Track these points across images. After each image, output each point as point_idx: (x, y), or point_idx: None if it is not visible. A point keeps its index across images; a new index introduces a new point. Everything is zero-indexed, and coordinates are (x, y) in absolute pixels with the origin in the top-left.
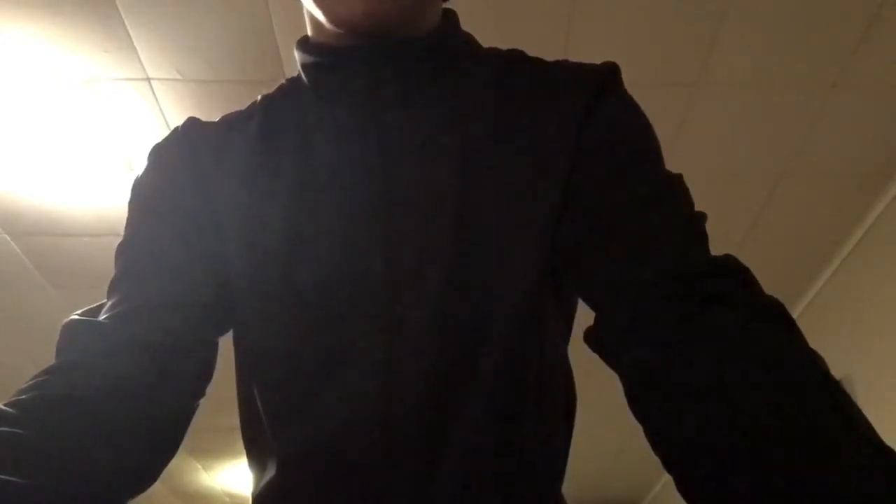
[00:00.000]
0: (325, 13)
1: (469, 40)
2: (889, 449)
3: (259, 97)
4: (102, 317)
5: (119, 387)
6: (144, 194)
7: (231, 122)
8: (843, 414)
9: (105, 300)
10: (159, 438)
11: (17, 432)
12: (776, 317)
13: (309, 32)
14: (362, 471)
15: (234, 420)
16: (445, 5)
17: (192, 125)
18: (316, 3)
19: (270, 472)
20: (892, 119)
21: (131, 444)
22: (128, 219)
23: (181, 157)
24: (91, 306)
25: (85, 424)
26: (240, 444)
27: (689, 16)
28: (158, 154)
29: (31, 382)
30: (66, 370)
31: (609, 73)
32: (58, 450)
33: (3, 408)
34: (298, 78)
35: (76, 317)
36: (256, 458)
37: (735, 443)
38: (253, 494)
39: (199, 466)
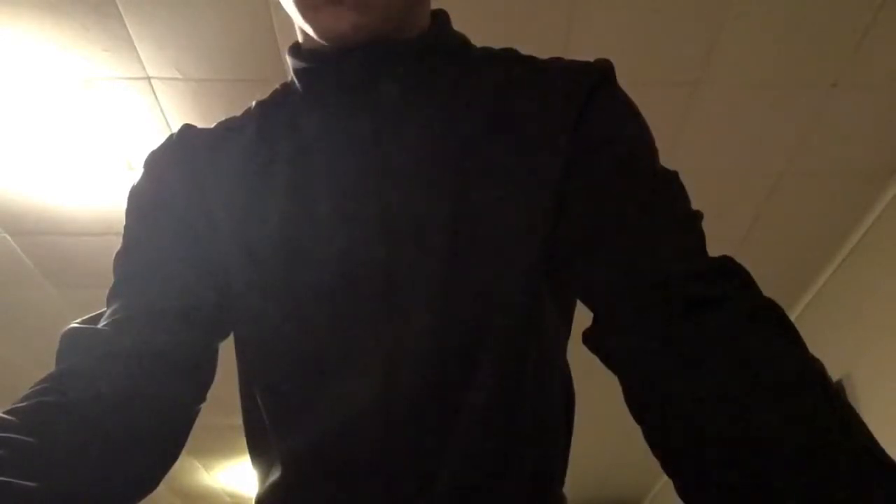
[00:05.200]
0: (315, 29)
1: (462, 40)
2: (886, 455)
3: (254, 103)
4: (102, 324)
5: (118, 393)
6: (140, 202)
7: (226, 128)
8: (839, 418)
9: (105, 306)
10: (160, 443)
11: (18, 438)
12: (774, 320)
13: (300, 39)
14: (364, 471)
15: (235, 419)
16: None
17: (186, 132)
18: (305, 19)
19: (274, 473)
20: (892, 119)
21: (132, 450)
22: (125, 227)
23: (176, 164)
24: (91, 314)
25: (84, 431)
26: (240, 444)
27: (689, 16)
28: (153, 162)
29: (31, 390)
30: (65, 377)
31: (602, 71)
32: (58, 456)
33: (4, 415)
34: (292, 83)
35: (76, 325)
36: (260, 458)
37: (732, 446)
38: (257, 495)
39: (200, 466)
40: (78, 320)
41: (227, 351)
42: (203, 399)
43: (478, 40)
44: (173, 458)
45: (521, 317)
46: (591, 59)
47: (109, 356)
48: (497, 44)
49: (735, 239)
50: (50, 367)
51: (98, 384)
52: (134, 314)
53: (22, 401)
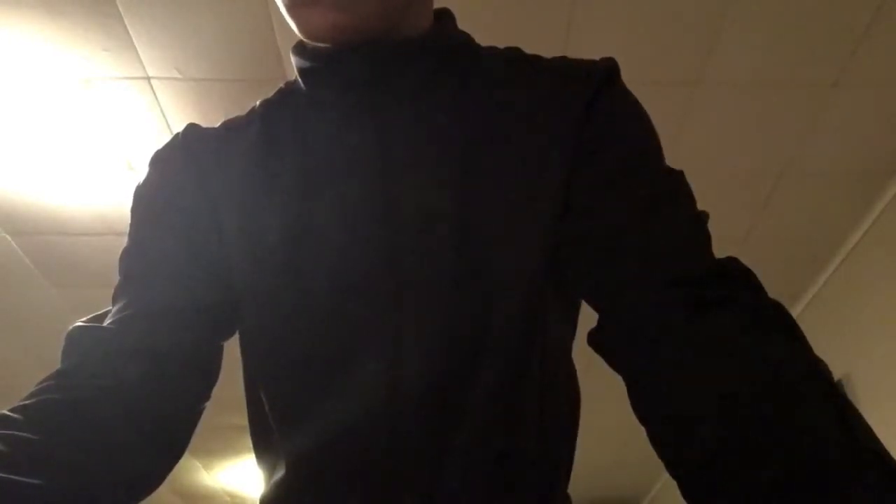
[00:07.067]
0: (298, 27)
1: (466, 39)
2: (890, 457)
3: (258, 102)
4: (107, 322)
5: (121, 392)
6: (145, 201)
7: (231, 127)
8: (844, 421)
9: (108, 305)
10: (163, 442)
11: (23, 435)
12: (779, 321)
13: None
14: (369, 471)
15: (235, 419)
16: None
17: (192, 131)
18: (290, 17)
19: (279, 473)
20: (892, 119)
21: (136, 448)
22: (130, 226)
23: (181, 163)
24: (96, 313)
25: (88, 429)
26: (240, 444)
27: (689, 16)
28: (158, 161)
29: (35, 388)
30: (70, 375)
31: (607, 70)
32: (62, 454)
33: (9, 413)
34: (296, 82)
35: (81, 323)
36: (265, 458)
37: (735, 448)
38: (262, 494)
39: (200, 465)
40: (83, 319)
41: (228, 351)
42: (207, 398)
43: (477, 39)
44: (177, 456)
45: (526, 318)
46: (594, 59)
47: (114, 354)
48: (496, 42)
49: (735, 239)
50: (50, 366)
51: (102, 382)
52: (138, 313)
53: (27, 398)
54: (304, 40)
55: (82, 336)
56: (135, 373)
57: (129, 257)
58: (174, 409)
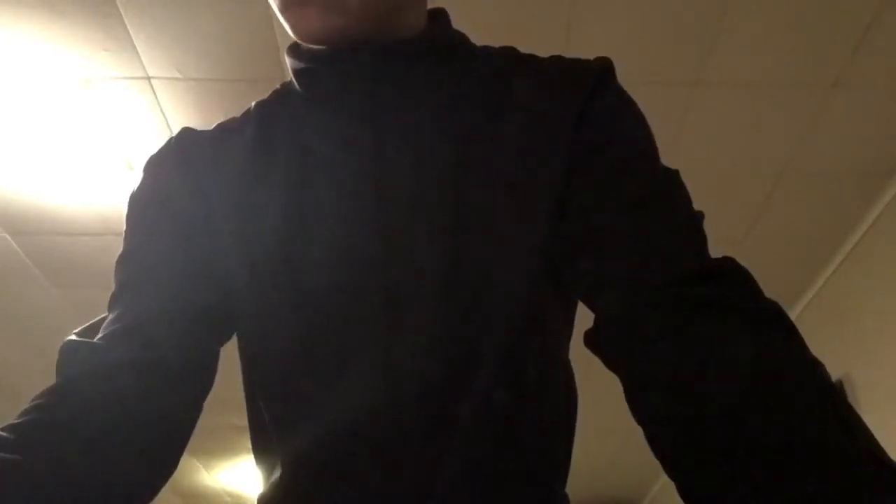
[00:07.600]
0: (291, 28)
1: (461, 39)
2: (888, 458)
3: (253, 104)
4: (100, 334)
5: (114, 407)
6: (140, 207)
7: (226, 129)
8: (841, 422)
9: (106, 309)
10: (157, 455)
11: (11, 457)
12: (775, 321)
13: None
14: (367, 471)
15: (235, 419)
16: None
17: (186, 134)
18: (283, 18)
19: (277, 473)
20: (892, 119)
21: (128, 464)
22: (125, 232)
23: (176, 168)
24: (92, 322)
25: (79, 447)
26: (240, 444)
27: (688, 16)
28: (153, 166)
29: (28, 406)
30: (61, 392)
31: (603, 70)
32: (51, 473)
33: (0, 433)
34: (291, 83)
35: (74, 337)
36: (264, 458)
37: (733, 449)
38: (260, 494)
39: (200, 466)
40: (77, 330)
41: (227, 351)
42: (200, 408)
43: (477, 40)
44: (171, 466)
45: (522, 317)
46: (591, 59)
47: (107, 368)
48: (495, 42)
49: (735, 239)
50: (50, 366)
51: (95, 397)
52: (133, 321)
53: (18, 417)
54: (299, 41)
55: (76, 350)
56: (128, 386)
57: (125, 263)
58: (168, 419)
